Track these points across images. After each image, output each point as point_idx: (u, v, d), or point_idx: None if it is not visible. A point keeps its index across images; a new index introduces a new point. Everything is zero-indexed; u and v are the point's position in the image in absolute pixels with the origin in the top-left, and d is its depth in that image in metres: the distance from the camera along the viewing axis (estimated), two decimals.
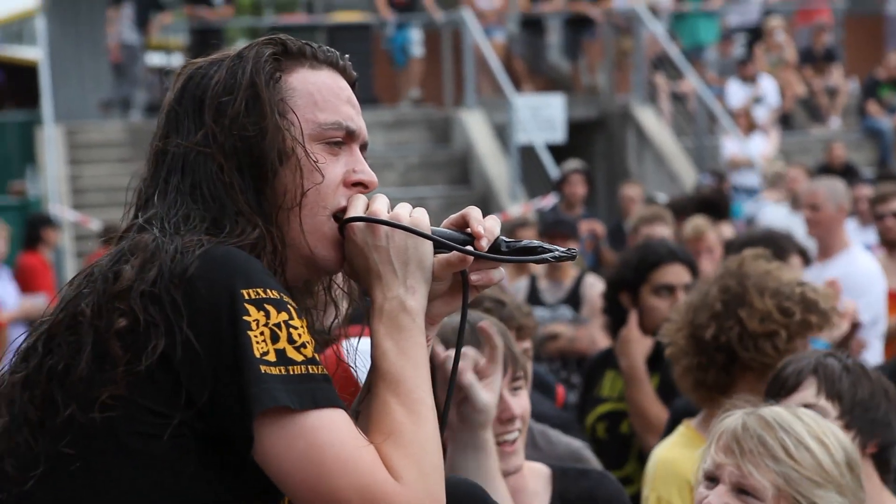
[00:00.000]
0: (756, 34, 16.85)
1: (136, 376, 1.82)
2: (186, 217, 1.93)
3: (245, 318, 1.81)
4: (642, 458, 4.69)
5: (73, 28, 20.60)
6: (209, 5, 16.20)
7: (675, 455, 3.66)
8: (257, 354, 1.80)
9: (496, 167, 14.81)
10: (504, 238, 2.02)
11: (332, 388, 1.85)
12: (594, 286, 7.49)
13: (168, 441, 1.83)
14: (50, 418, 1.86)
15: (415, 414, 1.89)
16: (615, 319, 5.05)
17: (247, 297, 1.82)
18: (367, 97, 15.96)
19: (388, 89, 16.97)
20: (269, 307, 1.83)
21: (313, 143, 1.98)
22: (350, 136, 2.02)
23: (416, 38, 16.08)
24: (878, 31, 17.51)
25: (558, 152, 14.32)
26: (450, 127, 15.97)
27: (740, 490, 2.35)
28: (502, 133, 15.11)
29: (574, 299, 7.63)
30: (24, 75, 22.09)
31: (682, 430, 3.73)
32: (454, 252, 1.98)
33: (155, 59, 18.43)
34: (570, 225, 8.55)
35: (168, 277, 1.83)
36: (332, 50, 2.07)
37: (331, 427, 1.82)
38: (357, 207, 1.98)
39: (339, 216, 1.99)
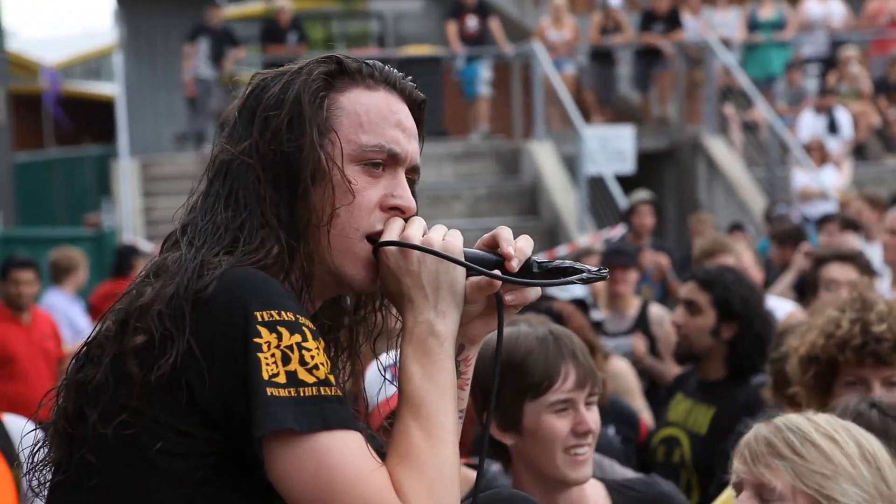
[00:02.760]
0: (829, 64, 16.69)
1: (151, 392, 1.85)
2: (214, 227, 1.97)
3: (256, 339, 1.82)
4: (689, 489, 4.67)
5: (149, 64, 21.02)
6: (283, 42, 16.42)
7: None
8: (265, 377, 1.81)
9: (565, 198, 14.79)
10: (536, 259, 1.99)
11: (346, 409, 1.85)
12: (663, 320, 7.41)
13: (192, 460, 1.84)
14: (77, 428, 1.92)
15: (433, 438, 1.87)
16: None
17: (260, 318, 1.83)
18: (436, 129, 16.08)
19: (458, 121, 17.05)
20: (282, 329, 1.83)
21: (352, 163, 1.99)
22: (393, 159, 2.01)
23: (484, 77, 16.13)
24: None
25: (628, 183, 14.28)
26: (519, 158, 16.00)
27: (760, 494, 2.35)
28: (571, 164, 15.09)
29: (640, 330, 7.57)
30: (101, 110, 22.53)
31: None
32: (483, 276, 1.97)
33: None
34: (630, 255, 8.38)
35: (184, 297, 1.86)
36: (394, 70, 2.08)
37: (341, 449, 1.81)
38: (392, 231, 1.98)
39: (374, 239, 1.99)
